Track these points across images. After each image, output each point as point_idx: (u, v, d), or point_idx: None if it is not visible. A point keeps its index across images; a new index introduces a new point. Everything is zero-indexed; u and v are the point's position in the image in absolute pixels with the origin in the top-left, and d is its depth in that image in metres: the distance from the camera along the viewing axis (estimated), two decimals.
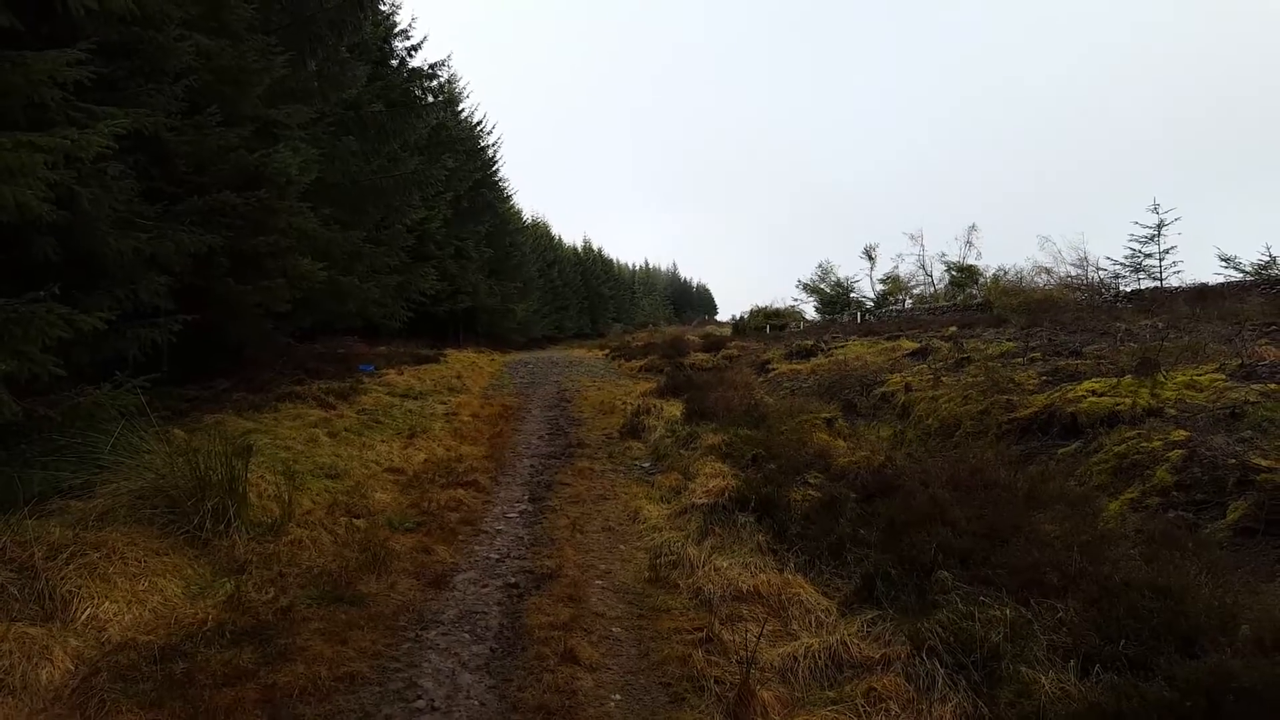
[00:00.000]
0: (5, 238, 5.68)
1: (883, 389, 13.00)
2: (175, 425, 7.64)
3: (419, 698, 4.01)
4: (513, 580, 5.73)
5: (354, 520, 6.75)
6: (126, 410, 6.35)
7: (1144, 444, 7.29)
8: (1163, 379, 8.97)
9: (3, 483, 5.13)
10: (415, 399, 13.79)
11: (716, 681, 4.15)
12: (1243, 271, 20.74)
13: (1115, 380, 9.23)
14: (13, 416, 5.16)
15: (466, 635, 4.78)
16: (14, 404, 5.13)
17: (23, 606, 4.25)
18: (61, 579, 4.49)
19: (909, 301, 44.03)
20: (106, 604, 4.49)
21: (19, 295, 5.39)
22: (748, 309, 53.54)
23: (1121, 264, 24.73)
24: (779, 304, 50.97)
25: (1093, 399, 8.70)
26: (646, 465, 9.76)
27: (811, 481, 7.61)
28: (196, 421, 8.44)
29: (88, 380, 6.41)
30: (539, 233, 53.36)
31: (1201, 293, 19.13)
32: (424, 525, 6.87)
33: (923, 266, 46.82)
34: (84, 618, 4.33)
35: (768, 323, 42.71)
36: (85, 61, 6.15)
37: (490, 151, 36.56)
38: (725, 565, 5.68)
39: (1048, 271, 30.32)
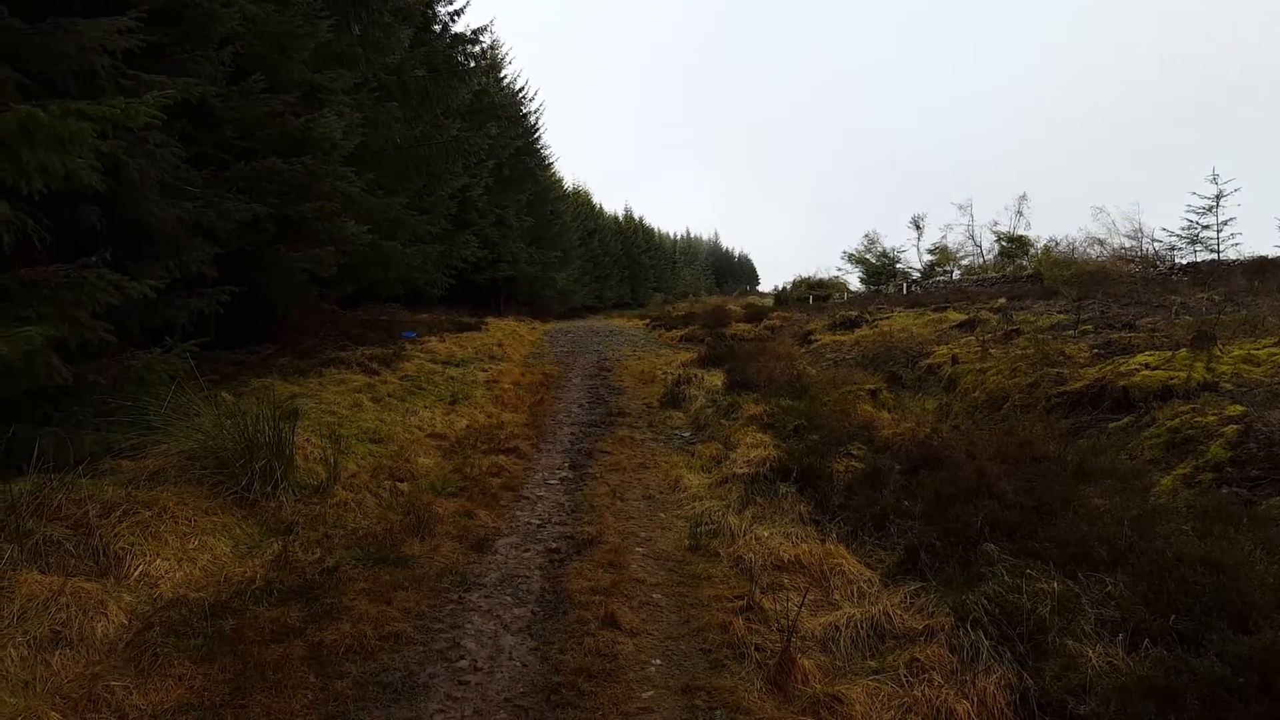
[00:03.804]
0: (53, 206, 5.76)
1: (929, 361, 12.80)
2: (223, 389, 7.77)
3: (462, 658, 4.05)
4: (554, 545, 5.76)
5: (398, 484, 6.82)
6: (176, 374, 6.45)
7: (1198, 419, 7.08)
8: (1219, 353, 8.71)
9: (56, 443, 5.24)
10: (457, 366, 13.89)
11: (757, 649, 4.13)
12: None
13: (1169, 354, 8.98)
14: (63, 381, 5.26)
15: (508, 598, 4.82)
16: (64, 368, 5.23)
17: (78, 562, 4.36)
18: (115, 536, 4.60)
19: (957, 272, 43.21)
20: (158, 561, 4.59)
21: (70, 262, 5.49)
22: (791, 279, 53.04)
23: (1178, 236, 24.05)
24: (823, 274, 50.41)
25: (1146, 373, 8.47)
26: (687, 434, 9.73)
27: (855, 453, 7.53)
28: (243, 385, 8.58)
29: (138, 345, 6.52)
30: (580, 201, 53.20)
31: (1260, 265, 18.57)
32: (466, 490, 6.93)
33: (971, 237, 45.90)
34: (137, 574, 4.44)
35: (811, 293, 42.22)
36: (135, 29, 6.19)
37: (532, 119, 36.49)
38: (766, 535, 5.65)
39: (1100, 243, 29.63)
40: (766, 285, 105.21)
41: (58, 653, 3.61)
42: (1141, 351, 9.45)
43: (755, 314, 27.10)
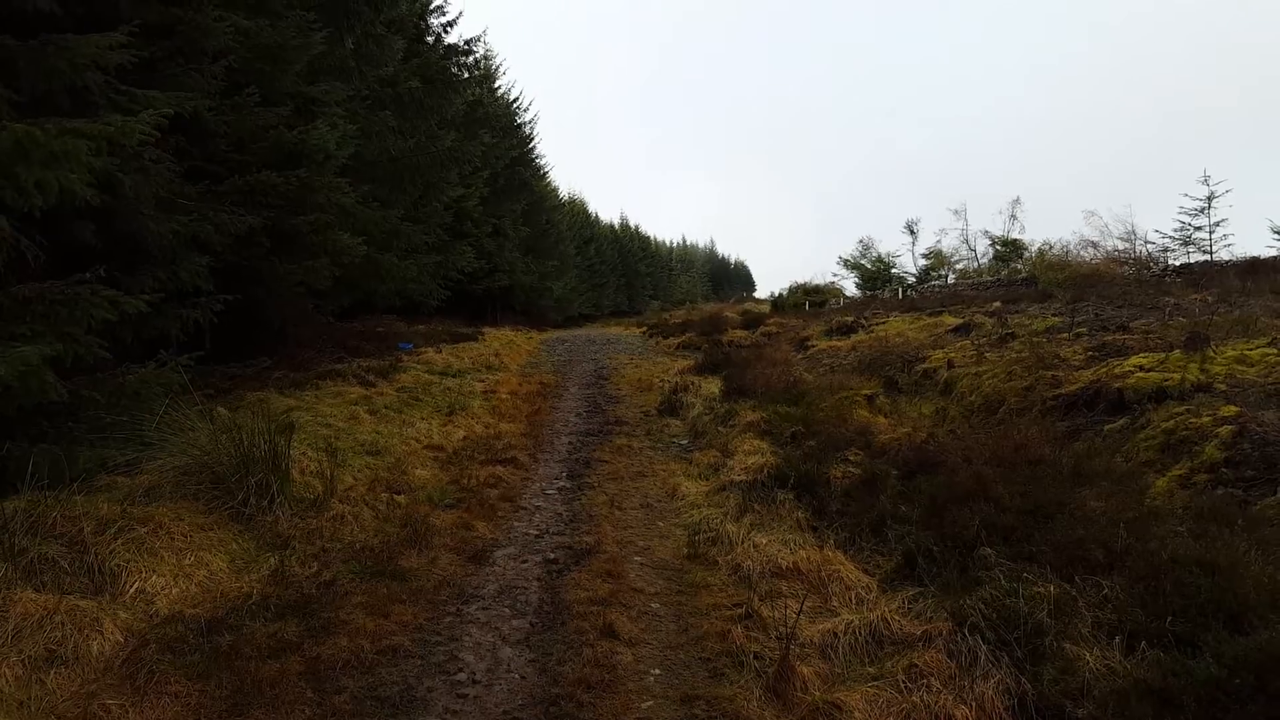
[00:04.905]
0: (47, 221, 5.75)
1: (925, 365, 12.78)
2: (218, 403, 7.75)
3: (460, 670, 4.04)
4: (552, 556, 5.74)
5: (395, 496, 6.81)
6: (171, 388, 6.43)
7: (1192, 420, 7.08)
8: (1212, 354, 8.71)
9: (50, 460, 5.22)
10: (454, 377, 13.87)
11: (756, 657, 4.12)
12: None
13: (1163, 355, 8.98)
14: (58, 397, 5.24)
15: (507, 610, 4.80)
16: (59, 385, 5.21)
17: (73, 580, 4.34)
18: (110, 553, 4.58)
19: (952, 277, 43.37)
20: (154, 577, 4.57)
21: (64, 278, 5.47)
22: (786, 286, 53.07)
23: (1170, 237, 24.27)
24: (818, 280, 50.39)
25: (1140, 374, 8.47)
26: (684, 442, 9.72)
27: (852, 458, 7.52)
28: (239, 399, 8.56)
29: (133, 359, 6.51)
30: (576, 210, 53.34)
31: (1253, 266, 18.68)
32: (464, 501, 6.91)
33: (966, 241, 46.12)
34: (132, 591, 4.42)
35: (807, 299, 42.18)
36: (127, 45, 6.19)
37: (527, 128, 36.65)
38: (764, 542, 5.63)
39: (1094, 245, 29.78)
40: (763, 291, 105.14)
41: (53, 672, 3.59)
42: (1136, 353, 9.45)
43: (751, 320, 27.10)
